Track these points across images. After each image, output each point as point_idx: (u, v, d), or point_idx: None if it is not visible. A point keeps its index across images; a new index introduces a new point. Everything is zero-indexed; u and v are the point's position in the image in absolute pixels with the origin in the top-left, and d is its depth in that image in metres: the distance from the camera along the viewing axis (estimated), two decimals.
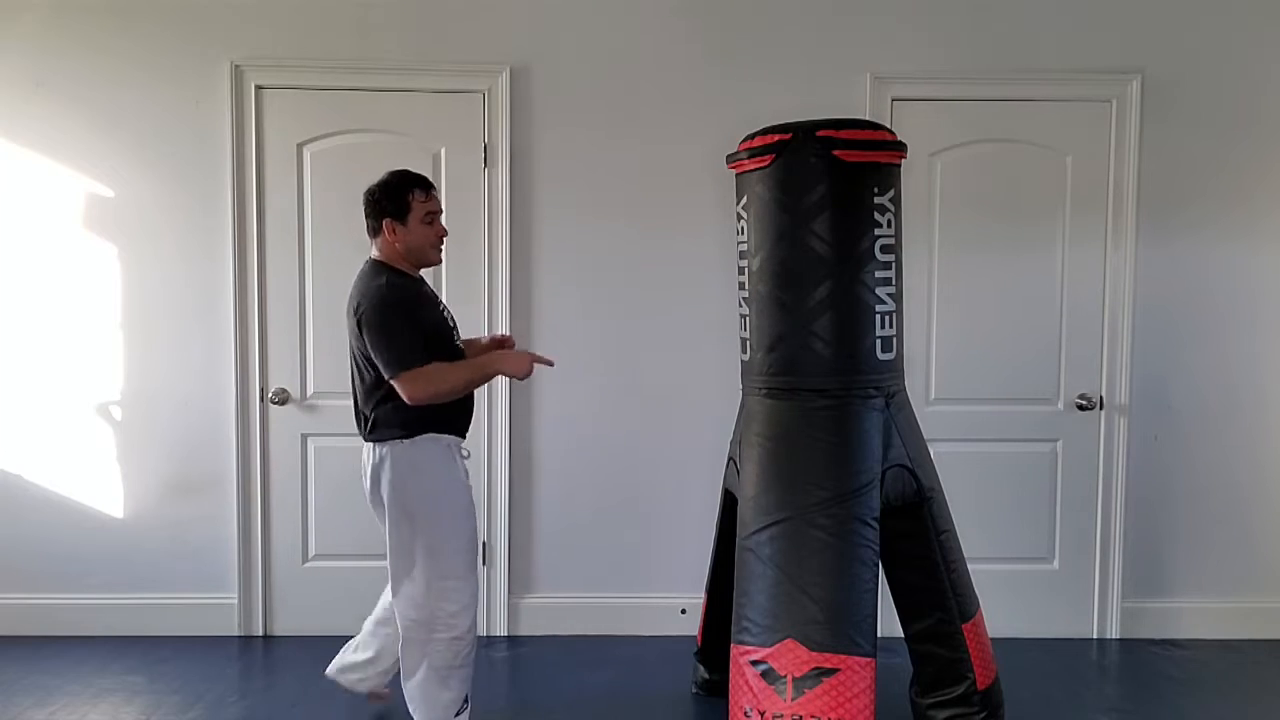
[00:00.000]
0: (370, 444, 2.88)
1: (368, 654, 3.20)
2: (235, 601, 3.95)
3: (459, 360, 2.88)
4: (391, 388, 2.76)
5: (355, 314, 2.79)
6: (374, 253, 2.92)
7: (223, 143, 3.84)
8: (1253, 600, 4.01)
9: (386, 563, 2.90)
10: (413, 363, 2.72)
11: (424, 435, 2.82)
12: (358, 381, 2.89)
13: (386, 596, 3.09)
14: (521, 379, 2.93)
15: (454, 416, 2.90)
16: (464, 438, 2.95)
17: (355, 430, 3.92)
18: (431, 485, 2.84)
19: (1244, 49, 3.89)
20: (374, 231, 2.91)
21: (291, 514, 3.97)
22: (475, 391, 2.97)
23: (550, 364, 2.97)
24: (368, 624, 3.23)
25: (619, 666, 3.71)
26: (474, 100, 3.89)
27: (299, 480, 3.96)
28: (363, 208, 2.92)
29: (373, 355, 2.77)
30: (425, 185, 2.90)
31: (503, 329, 3.88)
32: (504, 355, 2.94)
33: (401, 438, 2.81)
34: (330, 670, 3.25)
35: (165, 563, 3.94)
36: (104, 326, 3.90)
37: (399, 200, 2.85)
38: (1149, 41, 3.88)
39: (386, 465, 2.83)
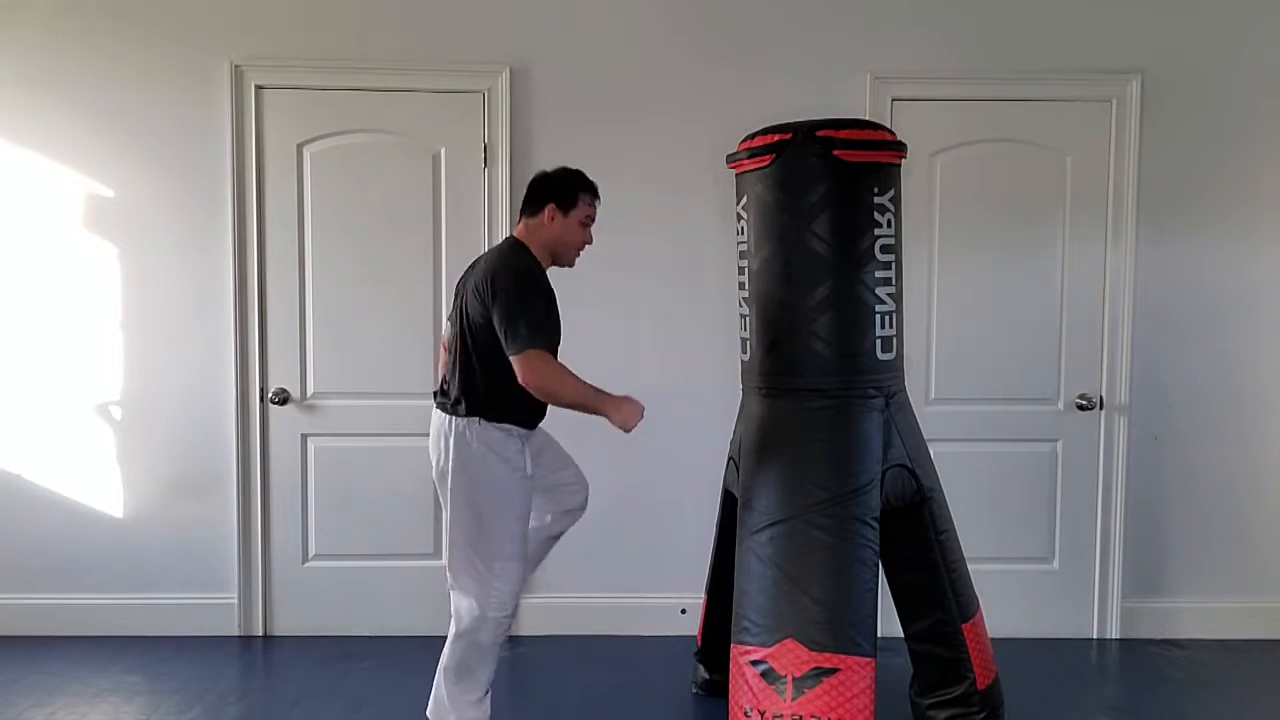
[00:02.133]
0: (444, 416, 2.84)
1: None
2: (235, 601, 3.95)
3: None
4: (491, 368, 2.75)
5: (489, 281, 2.73)
6: (516, 233, 2.94)
7: (223, 143, 3.84)
8: (1253, 600, 4.01)
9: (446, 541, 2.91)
10: (542, 344, 2.69)
11: (500, 422, 2.81)
12: (459, 350, 2.83)
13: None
14: (624, 430, 2.80)
15: (528, 412, 2.86)
16: (531, 430, 2.92)
17: (355, 429, 3.96)
18: (496, 471, 2.82)
19: (1244, 49, 3.89)
20: (529, 212, 2.91)
21: (291, 514, 3.97)
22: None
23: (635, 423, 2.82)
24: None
25: (619, 666, 3.71)
26: (474, 100, 3.89)
27: (299, 480, 3.96)
28: (528, 186, 2.94)
29: (500, 325, 2.70)
30: (596, 192, 2.95)
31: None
32: (619, 401, 2.81)
33: (478, 418, 2.79)
34: None
35: (165, 563, 3.94)
36: (104, 326, 3.89)
37: (569, 191, 2.89)
38: (1149, 41, 3.88)
39: (456, 442, 2.80)
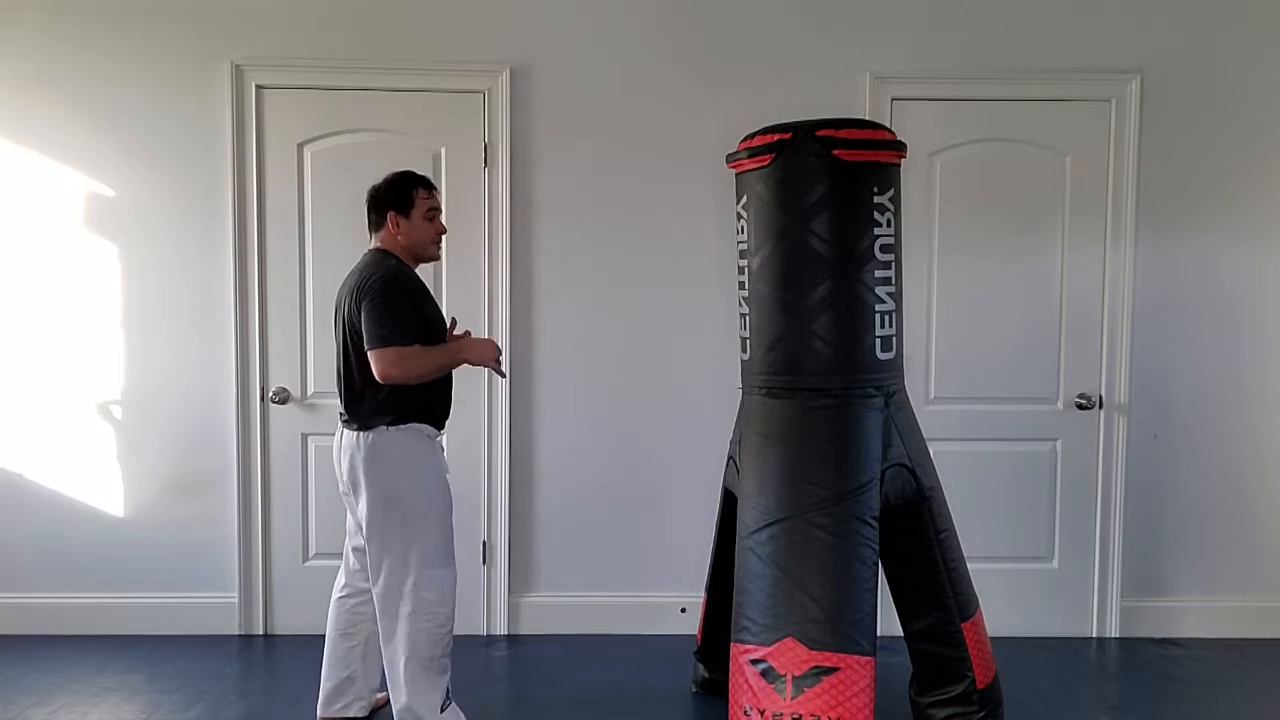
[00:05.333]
0: (352, 431, 2.90)
1: (343, 674, 3.13)
2: (236, 600, 3.95)
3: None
4: None
5: (355, 291, 2.85)
6: (375, 244, 3.01)
7: (223, 142, 3.85)
8: (1253, 599, 4.02)
9: (360, 552, 3.01)
10: (398, 341, 2.79)
11: (408, 424, 2.88)
12: (344, 367, 2.93)
13: (338, 610, 3.13)
14: (488, 365, 3.00)
15: (434, 406, 2.95)
16: (441, 429, 3.00)
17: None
18: (416, 473, 2.89)
19: (1244, 49, 3.90)
20: (376, 225, 3.01)
21: (292, 513, 3.97)
22: (456, 387, 3.04)
23: (502, 375, 3.18)
24: (327, 648, 3.15)
25: (619, 665, 3.71)
26: (474, 100, 3.89)
27: (299, 479, 3.96)
28: (366, 203, 3.03)
29: (363, 327, 2.81)
30: (428, 184, 3.04)
31: (503, 328, 3.90)
32: (470, 342, 3.01)
33: (388, 424, 2.86)
34: (321, 714, 3.14)
35: (166, 562, 3.94)
36: (104, 326, 3.90)
37: (403, 195, 2.97)
38: (1149, 41, 3.88)
39: (369, 451, 2.86)
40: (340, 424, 2.98)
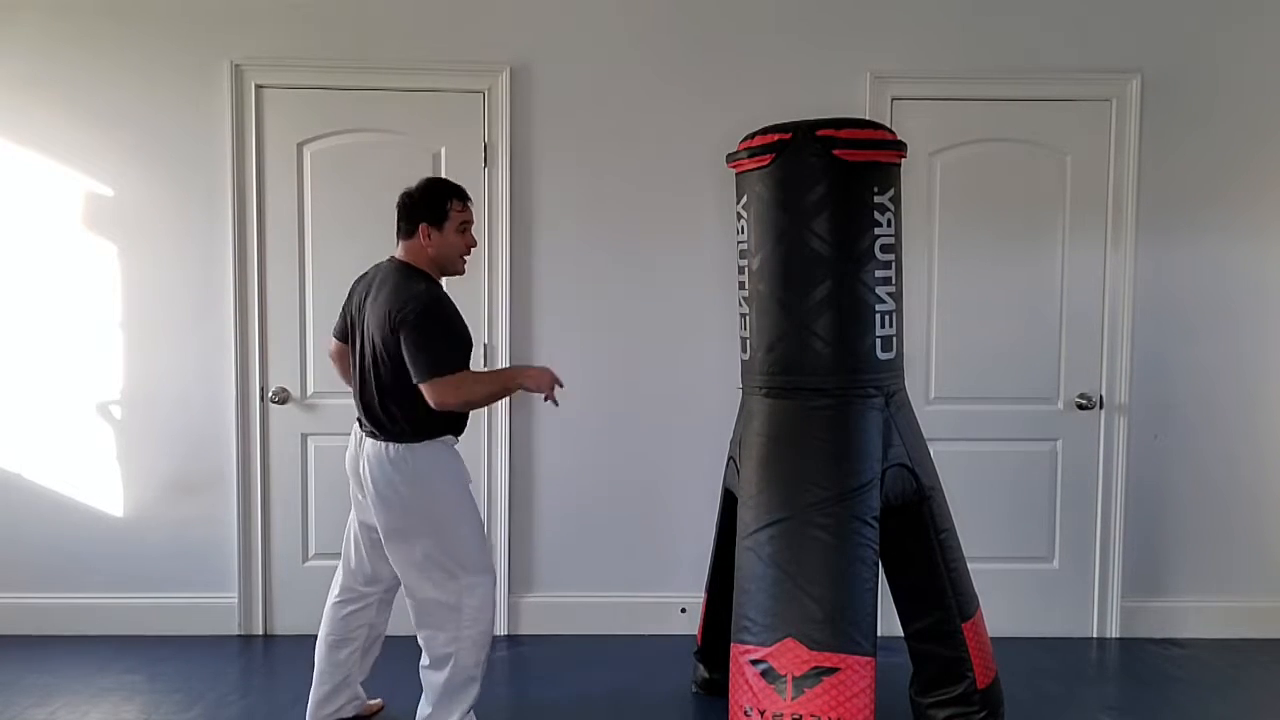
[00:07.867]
0: (378, 442, 2.86)
1: (337, 679, 3.09)
2: (235, 601, 3.95)
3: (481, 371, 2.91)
4: (410, 389, 2.76)
5: (392, 316, 2.75)
6: (400, 254, 2.91)
7: (223, 142, 3.84)
8: (1252, 599, 4.01)
9: (366, 556, 3.01)
10: (447, 369, 2.74)
11: (437, 437, 2.86)
12: (367, 380, 2.87)
13: (333, 616, 3.08)
14: (543, 396, 2.90)
15: (459, 418, 2.93)
16: (460, 435, 2.98)
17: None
18: (448, 484, 2.88)
19: (1244, 49, 3.90)
20: (406, 234, 2.89)
21: (292, 513, 3.97)
22: None
23: (555, 403, 2.94)
24: (320, 655, 3.09)
25: (619, 666, 3.71)
26: (474, 100, 3.89)
27: (299, 479, 3.96)
28: (396, 209, 2.91)
29: (407, 357, 2.75)
30: (464, 195, 2.92)
31: (502, 328, 3.90)
32: (527, 370, 2.99)
33: (414, 440, 2.83)
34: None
35: (165, 562, 3.94)
36: (104, 326, 3.90)
37: (438, 206, 2.86)
38: (1149, 41, 3.88)
39: (399, 466, 2.83)
40: (361, 432, 2.93)
